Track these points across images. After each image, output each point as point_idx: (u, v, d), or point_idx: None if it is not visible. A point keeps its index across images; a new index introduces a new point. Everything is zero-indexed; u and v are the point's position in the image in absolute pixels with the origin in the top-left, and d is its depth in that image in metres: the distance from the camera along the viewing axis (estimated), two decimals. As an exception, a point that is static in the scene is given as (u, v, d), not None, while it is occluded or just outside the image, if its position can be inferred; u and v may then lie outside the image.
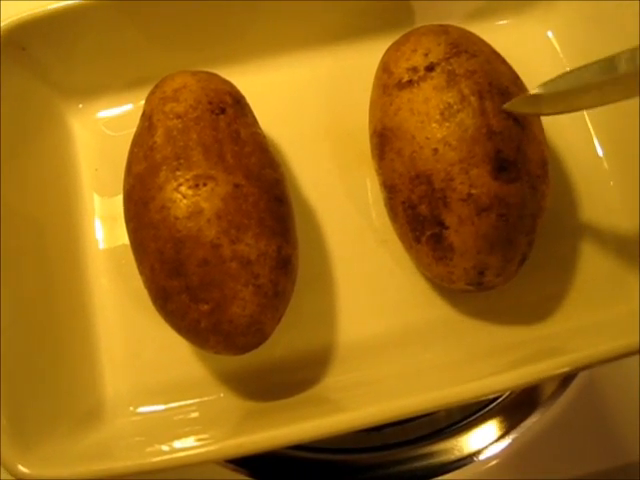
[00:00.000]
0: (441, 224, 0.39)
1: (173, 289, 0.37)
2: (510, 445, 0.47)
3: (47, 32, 0.45)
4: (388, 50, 0.44)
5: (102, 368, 0.43)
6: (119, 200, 0.41)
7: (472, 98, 0.38)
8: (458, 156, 0.38)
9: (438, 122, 0.39)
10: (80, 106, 0.49)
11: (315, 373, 0.42)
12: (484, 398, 0.45)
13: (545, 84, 0.38)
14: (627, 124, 0.45)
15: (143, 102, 0.43)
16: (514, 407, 0.48)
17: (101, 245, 0.46)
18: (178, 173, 0.38)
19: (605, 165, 0.47)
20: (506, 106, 0.38)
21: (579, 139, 0.48)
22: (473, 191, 0.38)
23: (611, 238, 0.45)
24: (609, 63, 0.33)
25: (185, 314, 0.37)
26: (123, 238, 0.41)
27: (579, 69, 0.36)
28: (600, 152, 0.48)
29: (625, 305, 0.42)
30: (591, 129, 0.48)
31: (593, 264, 0.45)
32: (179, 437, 0.39)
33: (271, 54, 0.50)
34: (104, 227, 0.47)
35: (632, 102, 0.43)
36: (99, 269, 0.46)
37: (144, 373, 0.43)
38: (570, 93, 0.36)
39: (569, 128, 0.48)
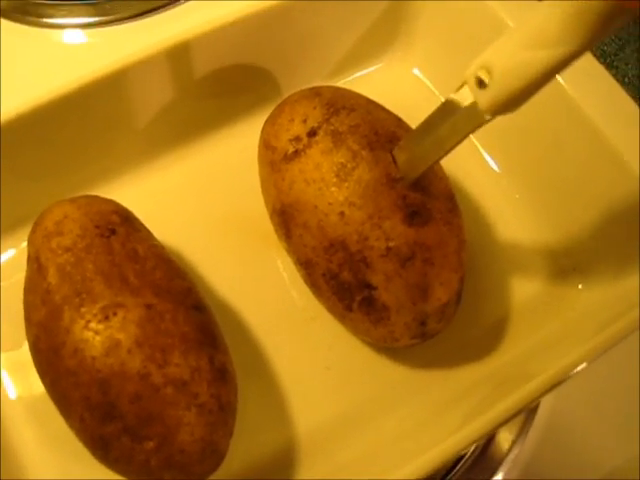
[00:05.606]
0: (369, 286, 0.37)
1: (111, 435, 0.34)
2: None
3: None
4: (265, 125, 0.43)
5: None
6: (25, 348, 0.38)
7: (363, 152, 0.38)
8: (366, 213, 0.37)
9: (336, 185, 0.37)
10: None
11: (283, 474, 0.40)
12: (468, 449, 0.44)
13: (400, 146, 0.38)
14: (511, 135, 0.46)
15: (25, 244, 0.40)
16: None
17: (13, 395, 0.42)
18: (83, 310, 0.35)
19: (505, 181, 0.48)
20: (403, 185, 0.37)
21: (474, 163, 0.48)
22: (391, 244, 0.36)
23: (533, 251, 0.45)
24: (450, 104, 0.34)
25: (131, 458, 0.34)
26: (38, 387, 0.37)
27: (426, 120, 0.36)
28: (496, 168, 0.48)
29: (568, 313, 0.42)
30: (481, 149, 0.49)
31: (526, 282, 0.45)
32: None
33: (146, 160, 0.48)
34: (14, 379, 0.42)
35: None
36: (18, 421, 0.41)
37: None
38: (428, 146, 0.36)
39: (462, 155, 0.47)
